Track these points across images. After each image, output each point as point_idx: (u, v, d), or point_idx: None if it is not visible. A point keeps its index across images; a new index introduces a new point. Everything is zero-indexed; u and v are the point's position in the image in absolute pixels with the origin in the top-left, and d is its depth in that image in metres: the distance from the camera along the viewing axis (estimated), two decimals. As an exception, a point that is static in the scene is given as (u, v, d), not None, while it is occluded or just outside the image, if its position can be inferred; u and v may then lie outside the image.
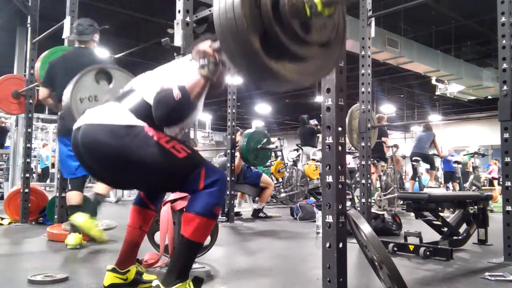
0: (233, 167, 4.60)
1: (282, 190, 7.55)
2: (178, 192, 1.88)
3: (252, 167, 5.41)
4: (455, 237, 3.13)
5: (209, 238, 2.53)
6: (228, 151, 4.64)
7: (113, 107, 1.74)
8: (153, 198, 2.00)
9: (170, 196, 2.17)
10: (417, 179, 7.35)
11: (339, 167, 1.58)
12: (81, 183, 3.17)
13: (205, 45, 1.78)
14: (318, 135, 7.73)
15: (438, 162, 10.06)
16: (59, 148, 3.36)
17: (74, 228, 2.91)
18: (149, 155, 1.62)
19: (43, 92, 3.29)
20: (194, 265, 2.40)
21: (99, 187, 3.07)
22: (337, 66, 1.58)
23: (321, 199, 1.77)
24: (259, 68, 0.83)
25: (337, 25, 0.95)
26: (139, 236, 1.96)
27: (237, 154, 4.88)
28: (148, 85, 1.77)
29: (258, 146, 4.94)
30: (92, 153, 1.67)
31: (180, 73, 1.78)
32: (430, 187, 7.73)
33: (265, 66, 0.82)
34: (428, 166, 7.95)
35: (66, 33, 3.85)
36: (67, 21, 3.86)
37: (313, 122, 8.09)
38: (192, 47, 1.94)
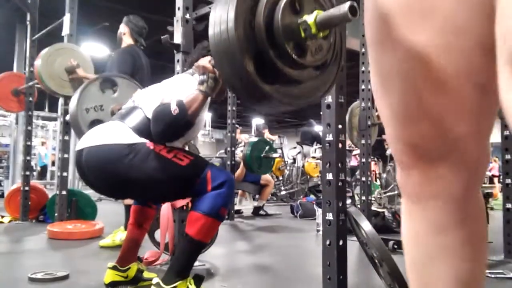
0: (233, 163, 4.60)
1: (282, 188, 7.55)
2: (188, 197, 1.87)
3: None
4: (455, 235, 3.13)
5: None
6: (228, 148, 4.64)
7: (115, 126, 1.74)
8: None
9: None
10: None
11: (339, 164, 1.58)
12: None
13: (205, 61, 1.89)
14: (316, 143, 7.53)
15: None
16: None
17: None
18: (153, 169, 1.63)
19: None
20: (195, 263, 2.41)
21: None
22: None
23: (321, 197, 1.77)
24: (253, 91, 0.80)
25: (333, 45, 0.90)
26: (140, 234, 1.98)
27: (241, 163, 4.85)
28: (150, 101, 1.77)
29: (262, 155, 4.90)
30: (97, 174, 1.68)
31: (180, 88, 1.79)
32: None
33: (259, 89, 0.79)
34: None
35: (65, 30, 3.83)
36: (66, 18, 3.85)
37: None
38: (192, 59, 2.01)
